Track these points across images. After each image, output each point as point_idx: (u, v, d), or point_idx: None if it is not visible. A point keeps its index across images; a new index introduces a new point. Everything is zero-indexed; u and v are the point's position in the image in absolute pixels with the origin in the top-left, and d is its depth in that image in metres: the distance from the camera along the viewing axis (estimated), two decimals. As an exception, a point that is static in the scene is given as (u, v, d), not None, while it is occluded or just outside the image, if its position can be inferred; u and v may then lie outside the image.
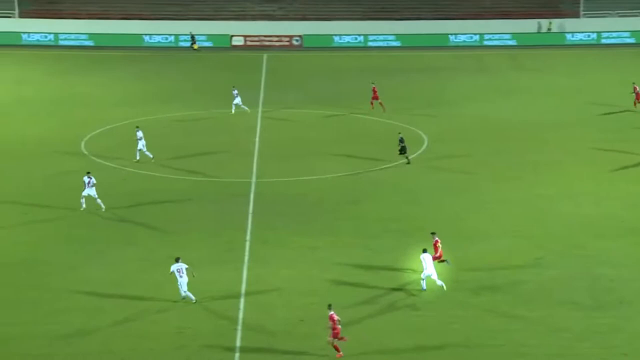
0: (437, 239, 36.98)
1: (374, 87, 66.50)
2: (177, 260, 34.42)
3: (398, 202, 45.96)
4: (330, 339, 30.43)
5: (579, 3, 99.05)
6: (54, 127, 60.99)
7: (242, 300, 34.53)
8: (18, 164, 52.60)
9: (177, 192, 47.51)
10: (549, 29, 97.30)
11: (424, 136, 58.98)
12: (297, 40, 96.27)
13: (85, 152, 54.71)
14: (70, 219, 43.32)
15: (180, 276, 34.04)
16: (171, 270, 34.20)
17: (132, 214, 44.05)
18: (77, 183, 48.38)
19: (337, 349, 30.43)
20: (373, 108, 65.47)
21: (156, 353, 30.67)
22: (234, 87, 65.63)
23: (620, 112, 65.26)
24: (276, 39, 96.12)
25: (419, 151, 55.60)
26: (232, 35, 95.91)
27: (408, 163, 52.05)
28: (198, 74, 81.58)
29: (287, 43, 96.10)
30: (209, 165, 52.40)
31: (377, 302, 34.54)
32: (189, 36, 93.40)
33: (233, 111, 64.35)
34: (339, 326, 30.43)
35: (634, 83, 67.00)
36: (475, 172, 51.16)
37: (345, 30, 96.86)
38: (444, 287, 35.26)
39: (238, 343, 31.29)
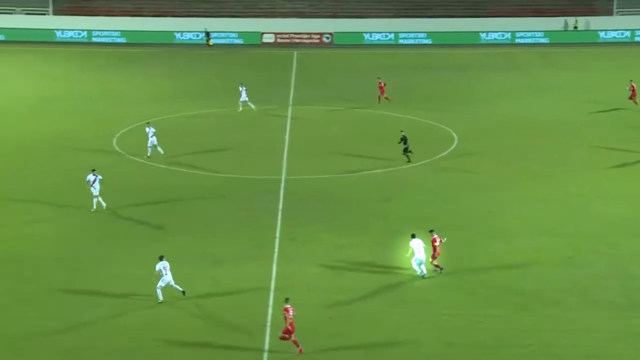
0: (435, 236, 36.69)
1: (380, 82, 66.43)
2: (161, 259, 34.19)
3: (428, 201, 45.77)
4: (284, 334, 30.27)
5: (612, 0, 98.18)
6: (86, 124, 61.36)
7: (271, 297, 34.53)
8: (49, 160, 52.97)
9: (207, 188, 47.65)
10: (576, 27, 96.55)
11: (454, 134, 58.73)
12: (327, 38, 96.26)
13: (118, 149, 55.01)
14: (100, 215, 43.56)
15: (165, 274, 33.90)
16: (157, 268, 33.96)
17: (162, 210, 44.23)
18: (108, 179, 48.72)
19: (296, 344, 30.22)
20: (380, 102, 66.14)
21: (184, 349, 30.77)
22: (242, 83, 65.67)
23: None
24: (306, 36, 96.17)
25: (450, 149, 55.37)
26: (263, 33, 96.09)
27: (408, 160, 51.65)
28: (228, 71, 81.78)
29: (317, 40, 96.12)
30: (238, 162, 52.50)
31: (406, 300, 34.44)
32: (204, 32, 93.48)
33: (254, 107, 64.45)
34: (291, 321, 30.18)
35: (631, 80, 66.43)
36: (506, 170, 50.85)
37: (376, 28, 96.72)
38: (425, 275, 35.80)
39: (267, 340, 31.29)
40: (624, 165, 51.84)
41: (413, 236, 36.34)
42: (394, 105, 66.35)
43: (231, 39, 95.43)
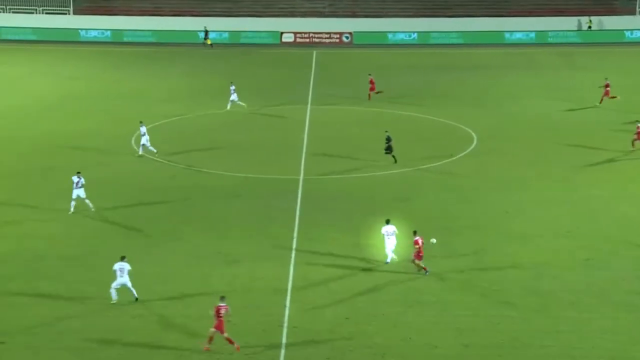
0: (417, 238, 36.23)
1: (371, 79, 67.41)
2: (122, 259, 33.82)
3: (445, 201, 45.57)
4: (212, 329, 30.30)
5: (635, 0, 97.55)
6: (105, 123, 61.44)
7: (288, 297, 34.46)
8: (67, 159, 53.04)
9: (225, 188, 47.64)
10: (589, 27, 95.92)
11: (473, 134, 58.46)
12: (347, 37, 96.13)
13: (136, 148, 55.08)
14: (119, 214, 43.64)
15: (121, 276, 33.45)
16: (113, 268, 33.67)
17: (179, 209, 44.28)
18: (128, 177, 48.99)
19: (230, 341, 30.18)
20: (370, 99, 66.79)
21: (202, 349, 30.74)
22: (232, 82, 65.68)
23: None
24: (326, 36, 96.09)
25: (469, 149, 55.10)
26: (282, 32, 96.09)
27: (395, 162, 51.18)
28: (248, 70, 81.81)
29: (337, 40, 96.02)
30: (257, 161, 52.47)
31: (423, 301, 34.24)
32: (203, 31, 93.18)
33: (229, 107, 64.46)
34: (222, 319, 30.29)
35: (606, 78, 65.87)
36: (524, 171, 50.57)
37: (396, 28, 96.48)
38: (396, 259, 36.77)
39: (283, 340, 31.22)
40: (644, 166, 51.44)
41: (387, 222, 37.26)
42: (413, 105, 66.12)
43: (250, 39, 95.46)
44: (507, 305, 33.81)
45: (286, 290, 35.05)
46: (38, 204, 44.93)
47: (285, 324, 32.28)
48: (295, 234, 40.74)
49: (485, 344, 30.99)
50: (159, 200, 45.41)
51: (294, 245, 39.39)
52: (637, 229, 41.62)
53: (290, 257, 38.13)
